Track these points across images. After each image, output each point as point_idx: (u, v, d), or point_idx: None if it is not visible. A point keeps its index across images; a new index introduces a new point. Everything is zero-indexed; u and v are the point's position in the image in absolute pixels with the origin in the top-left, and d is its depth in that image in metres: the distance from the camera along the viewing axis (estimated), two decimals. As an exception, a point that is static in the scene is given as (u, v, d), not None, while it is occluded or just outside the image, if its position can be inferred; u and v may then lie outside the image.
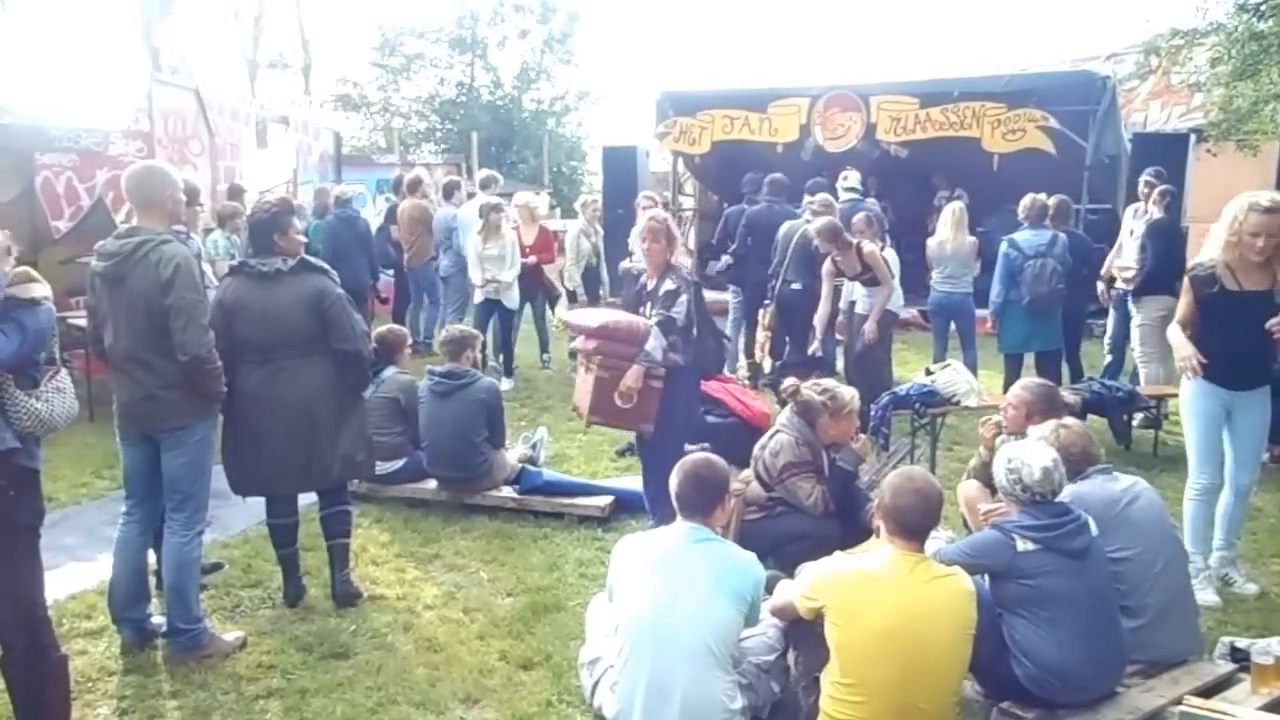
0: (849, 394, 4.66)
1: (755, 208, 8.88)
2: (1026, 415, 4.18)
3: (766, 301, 8.40)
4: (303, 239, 4.34)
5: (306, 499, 4.44)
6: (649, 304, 4.98)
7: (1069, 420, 3.86)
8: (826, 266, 7.21)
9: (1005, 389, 7.21)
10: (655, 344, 4.76)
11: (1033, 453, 3.32)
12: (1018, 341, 7.36)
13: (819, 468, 4.48)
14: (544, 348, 9.59)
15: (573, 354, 9.38)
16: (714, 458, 3.34)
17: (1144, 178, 7.81)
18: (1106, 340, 8.07)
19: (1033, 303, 7.05)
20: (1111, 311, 7.98)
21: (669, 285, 4.87)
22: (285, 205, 4.31)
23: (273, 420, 4.10)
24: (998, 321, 7.37)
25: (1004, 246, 7.30)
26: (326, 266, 4.29)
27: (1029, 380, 4.66)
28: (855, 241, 7.06)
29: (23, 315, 2.99)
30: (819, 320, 7.36)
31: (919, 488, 2.98)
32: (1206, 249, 4.28)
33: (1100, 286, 8.04)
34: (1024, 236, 7.24)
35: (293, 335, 4.11)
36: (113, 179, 8.29)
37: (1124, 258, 7.67)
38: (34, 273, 3.24)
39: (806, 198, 8.51)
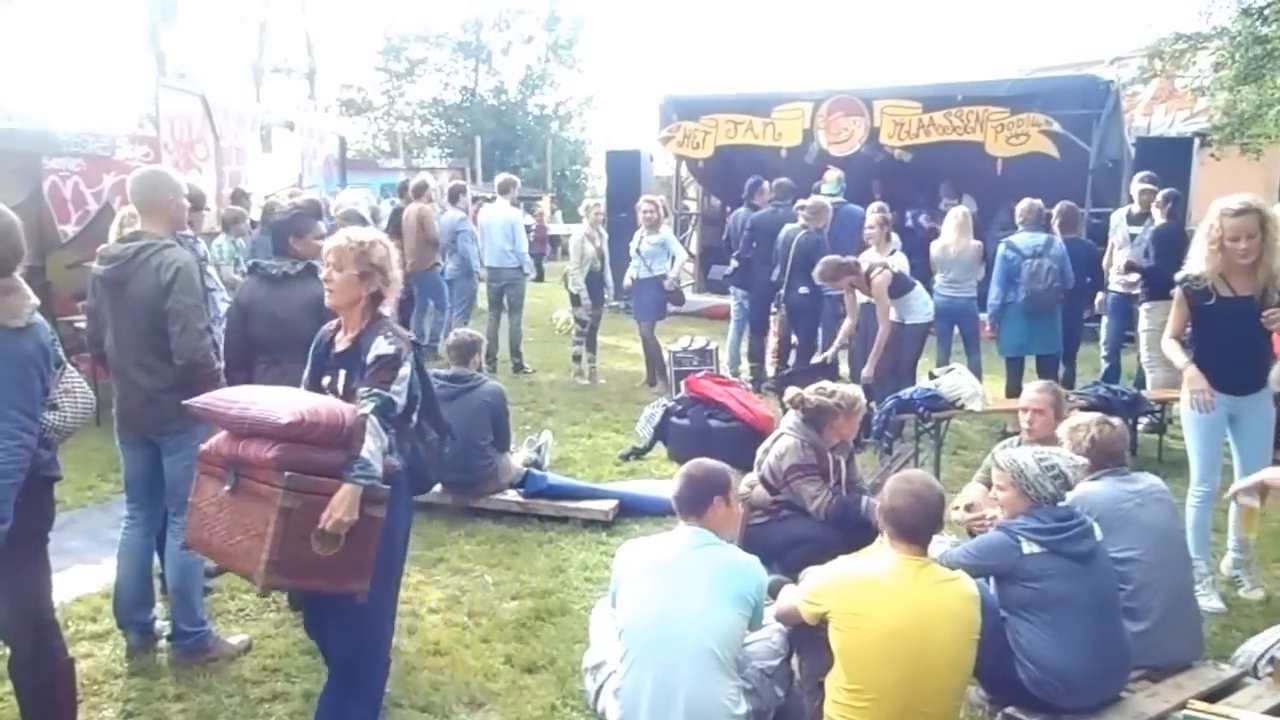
0: (855, 390, 4.76)
1: (759, 211, 8.89)
2: (1056, 416, 4.19)
3: (774, 309, 8.40)
4: (320, 244, 4.32)
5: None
6: (341, 373, 3.18)
7: (1114, 420, 3.85)
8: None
9: (1007, 393, 7.22)
10: (374, 445, 2.95)
11: (1064, 454, 3.39)
12: (1017, 344, 7.37)
13: (825, 470, 4.48)
14: None
15: (576, 358, 9.31)
16: (708, 460, 3.34)
17: (1140, 185, 7.75)
18: (1103, 346, 8.05)
19: (1029, 301, 7.05)
20: (1106, 317, 7.96)
21: (385, 348, 3.07)
22: (311, 209, 4.28)
23: None
24: (997, 324, 7.37)
25: (1001, 249, 7.33)
26: None
27: (1040, 383, 4.67)
28: (865, 270, 6.94)
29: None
30: (843, 333, 7.26)
31: (915, 490, 2.98)
32: (1192, 262, 4.30)
33: (1100, 296, 7.91)
34: (1021, 238, 7.27)
35: (299, 338, 4.10)
36: (119, 183, 8.30)
37: (1118, 262, 7.65)
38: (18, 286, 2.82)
39: (799, 202, 8.52)
